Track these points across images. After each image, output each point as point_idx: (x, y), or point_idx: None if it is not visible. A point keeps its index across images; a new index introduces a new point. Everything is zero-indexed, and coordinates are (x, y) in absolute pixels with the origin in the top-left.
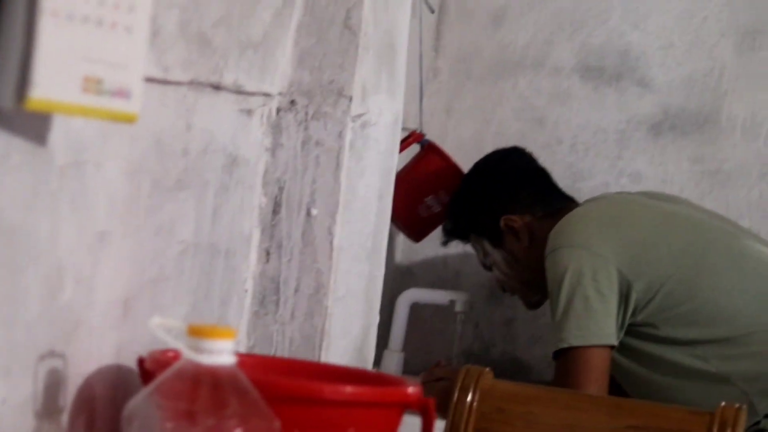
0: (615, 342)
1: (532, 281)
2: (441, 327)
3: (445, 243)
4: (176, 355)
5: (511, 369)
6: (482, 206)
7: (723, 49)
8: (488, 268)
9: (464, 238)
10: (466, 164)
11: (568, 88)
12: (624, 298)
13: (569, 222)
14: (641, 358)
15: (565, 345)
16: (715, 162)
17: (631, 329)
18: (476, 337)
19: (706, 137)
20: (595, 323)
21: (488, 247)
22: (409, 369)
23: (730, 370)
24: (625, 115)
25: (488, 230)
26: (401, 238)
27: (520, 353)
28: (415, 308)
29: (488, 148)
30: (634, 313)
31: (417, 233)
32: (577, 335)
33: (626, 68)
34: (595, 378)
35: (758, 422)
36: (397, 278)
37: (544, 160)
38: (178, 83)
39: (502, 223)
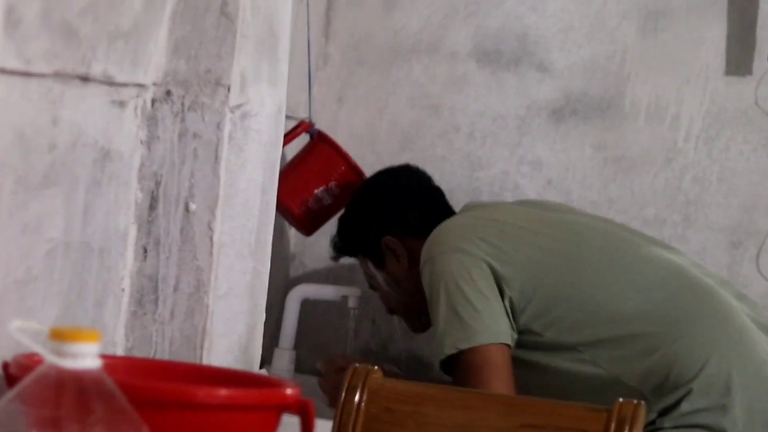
0: (510, 341)
1: (414, 304)
2: (335, 323)
3: (335, 259)
4: (39, 360)
5: (412, 366)
6: (366, 225)
7: (625, 31)
8: (374, 288)
9: (353, 255)
10: (358, 155)
11: (465, 74)
12: (502, 295)
13: (438, 231)
14: (530, 369)
15: (453, 350)
16: (618, 148)
17: (518, 340)
18: (373, 334)
19: (609, 123)
20: (481, 322)
21: (371, 267)
22: (302, 367)
23: (621, 370)
24: (524, 100)
25: (371, 250)
26: (293, 232)
27: (419, 349)
28: (307, 304)
29: (382, 138)
30: (514, 317)
31: (308, 227)
32: (463, 337)
33: (525, 52)
34: (498, 375)
35: (653, 421)
36: (288, 274)
37: (441, 148)
38: (41, 75)
39: (382, 244)
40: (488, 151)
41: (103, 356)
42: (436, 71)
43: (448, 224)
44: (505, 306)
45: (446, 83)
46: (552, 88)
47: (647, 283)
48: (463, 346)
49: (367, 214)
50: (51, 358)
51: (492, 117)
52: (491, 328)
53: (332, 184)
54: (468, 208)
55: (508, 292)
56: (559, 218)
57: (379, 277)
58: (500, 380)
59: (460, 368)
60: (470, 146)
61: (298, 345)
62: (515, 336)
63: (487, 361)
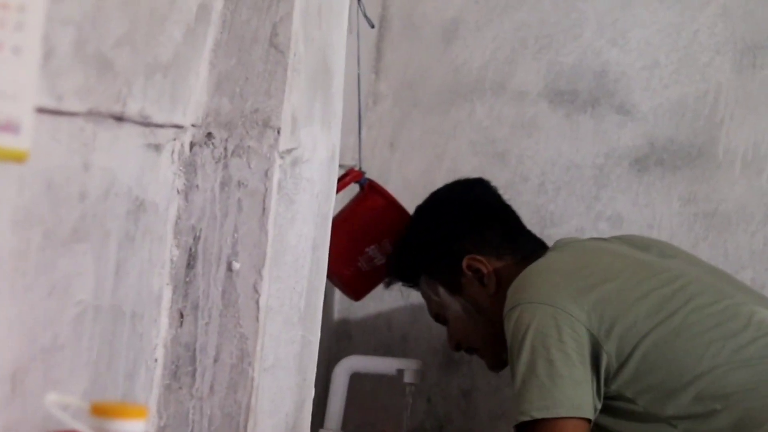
0: (591, 415)
1: (496, 336)
2: (386, 401)
3: (388, 285)
4: None
5: None
6: (440, 243)
7: (718, 68)
8: (442, 320)
9: (412, 281)
10: (413, 207)
11: (535, 116)
12: (595, 362)
13: (530, 275)
14: None
15: (527, 418)
16: (711, 203)
17: (604, 404)
18: (429, 413)
19: (700, 173)
20: (562, 392)
21: (444, 294)
22: None
23: None
24: (603, 147)
25: (445, 273)
26: (338, 296)
27: (480, 430)
28: (356, 379)
29: None
30: (606, 382)
31: (357, 290)
32: (541, 406)
33: (603, 92)
34: None
35: None
36: (333, 344)
37: (507, 201)
38: (73, 114)
39: (465, 264)
40: (561, 205)
41: None
42: (503, 113)
43: (544, 267)
44: (598, 374)
45: (514, 127)
46: (634, 134)
47: (757, 355)
48: (539, 415)
49: (441, 229)
50: None
51: (566, 166)
52: (573, 399)
53: (385, 241)
54: (562, 245)
55: (604, 355)
56: (665, 267)
57: (454, 304)
58: None
59: None
60: (541, 199)
61: (344, 426)
62: (599, 406)
63: None
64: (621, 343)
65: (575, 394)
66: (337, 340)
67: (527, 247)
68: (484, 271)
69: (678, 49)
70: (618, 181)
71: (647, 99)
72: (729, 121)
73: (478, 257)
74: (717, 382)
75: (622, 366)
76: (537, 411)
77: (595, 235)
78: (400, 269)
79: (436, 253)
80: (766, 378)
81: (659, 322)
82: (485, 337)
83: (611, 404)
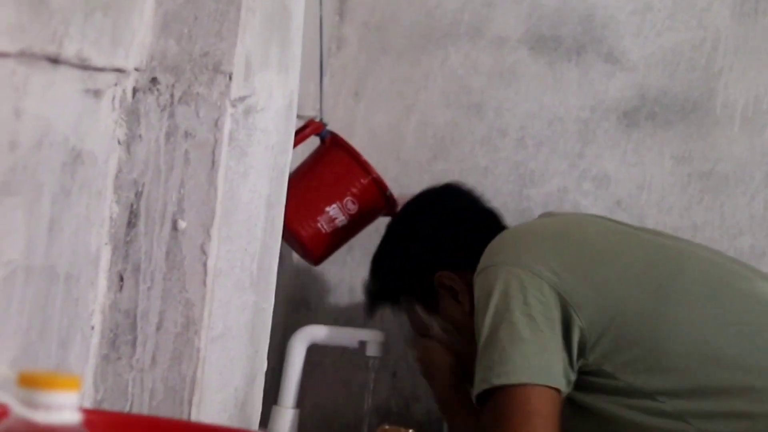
0: (561, 385)
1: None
2: (348, 376)
3: (369, 312)
4: (4, 411)
5: (438, 430)
6: (412, 261)
7: (717, 13)
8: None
9: (394, 300)
10: (380, 163)
11: (515, 65)
12: (566, 331)
13: (501, 238)
14: (587, 418)
15: (486, 386)
16: (707, 162)
17: (579, 380)
18: (394, 390)
19: (696, 129)
20: (524, 356)
21: (422, 313)
22: (305, 431)
23: (713, 430)
24: (589, 99)
25: (421, 292)
26: (296, 259)
27: None
28: (314, 351)
29: (409, 143)
30: (580, 354)
31: (317, 253)
32: (500, 372)
33: (590, 38)
34: (538, 427)
35: None
36: (289, 312)
37: (483, 158)
38: (3, 55)
39: (436, 282)
40: (542, 163)
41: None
42: (479, 60)
43: (515, 231)
44: (569, 344)
45: (491, 76)
46: (624, 85)
47: (756, 327)
48: (498, 382)
49: (413, 246)
50: (20, 410)
51: (548, 120)
52: (537, 365)
53: (347, 200)
54: (546, 215)
55: (577, 321)
56: (650, 239)
57: (433, 323)
58: None
59: (487, 411)
60: (519, 156)
61: (300, 402)
62: (573, 378)
63: (524, 406)
64: (599, 311)
65: (540, 360)
66: (293, 308)
67: None
68: (457, 288)
69: None
70: (605, 137)
71: (638, 46)
72: (728, 73)
73: (449, 274)
74: (712, 354)
75: (600, 335)
76: (496, 377)
77: (580, 196)
78: (377, 292)
79: (409, 273)
80: (760, 351)
81: (644, 289)
82: (466, 357)
83: (586, 379)
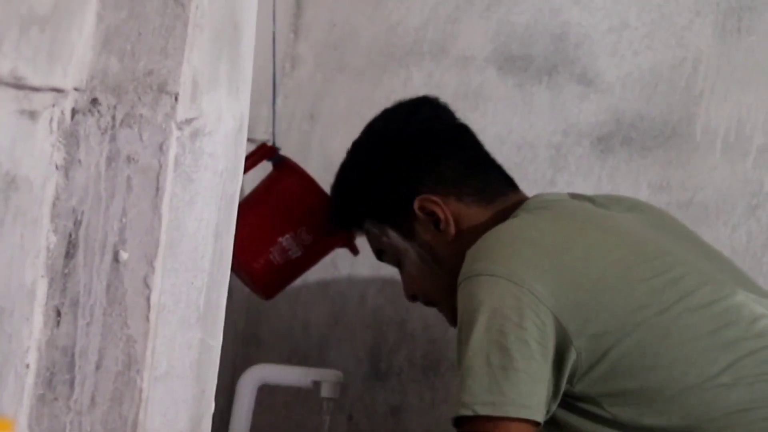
0: (541, 418)
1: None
2: (300, 419)
3: (330, 233)
4: None
5: None
6: (384, 183)
7: (698, 32)
8: (391, 262)
9: (357, 225)
10: None
11: (482, 86)
12: (559, 358)
13: (495, 239)
14: None
15: (468, 412)
16: (686, 191)
17: (565, 401)
18: None
19: (675, 156)
20: (514, 388)
21: (396, 237)
22: None
23: None
24: (560, 123)
25: (395, 216)
26: (246, 294)
27: None
28: (265, 392)
29: None
30: (570, 380)
31: (269, 287)
32: (486, 401)
33: (562, 58)
34: None
35: None
36: (239, 350)
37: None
38: None
39: (416, 205)
40: None
41: None
42: (443, 81)
43: (514, 233)
44: (560, 371)
45: (456, 98)
46: (598, 108)
47: (755, 371)
48: (483, 412)
49: (387, 163)
50: None
51: (517, 145)
52: (525, 398)
53: (301, 230)
54: (543, 204)
55: (573, 350)
56: (659, 251)
57: (410, 251)
58: None
59: None
60: None
61: None
62: (553, 408)
63: None
64: (596, 338)
65: (528, 393)
66: (243, 345)
67: (493, 184)
68: (440, 215)
69: (651, 8)
70: (577, 164)
71: (614, 67)
72: (709, 95)
73: (432, 197)
74: (710, 400)
75: (593, 365)
76: (481, 406)
77: None
78: (338, 215)
79: (381, 196)
80: (761, 399)
81: (645, 320)
82: (445, 290)
83: (573, 403)
